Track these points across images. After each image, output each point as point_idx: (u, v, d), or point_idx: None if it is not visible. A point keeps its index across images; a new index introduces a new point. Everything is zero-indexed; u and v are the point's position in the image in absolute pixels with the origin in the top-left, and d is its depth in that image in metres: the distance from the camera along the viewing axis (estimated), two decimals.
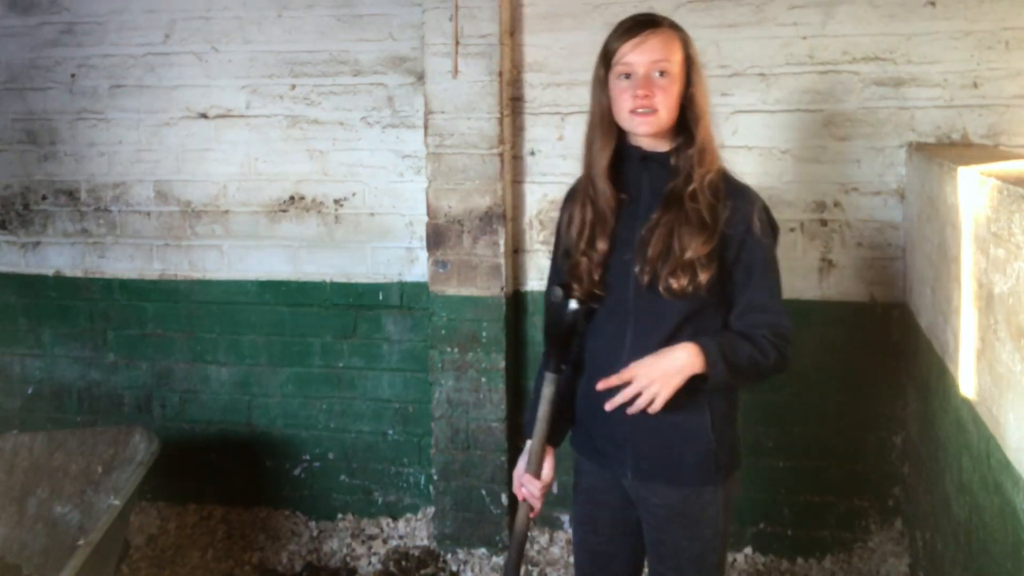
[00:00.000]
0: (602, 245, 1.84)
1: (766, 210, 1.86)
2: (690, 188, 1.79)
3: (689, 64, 1.82)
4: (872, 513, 3.06)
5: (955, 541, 2.14)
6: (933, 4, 2.91)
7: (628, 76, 1.79)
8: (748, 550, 3.16)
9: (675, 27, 1.85)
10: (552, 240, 2.08)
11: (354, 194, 3.42)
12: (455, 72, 3.12)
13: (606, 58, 1.84)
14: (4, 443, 2.90)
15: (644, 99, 1.76)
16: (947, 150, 2.72)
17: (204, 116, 3.50)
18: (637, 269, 1.81)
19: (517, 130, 3.23)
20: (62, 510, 2.80)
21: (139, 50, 3.53)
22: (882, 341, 3.01)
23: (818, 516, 3.10)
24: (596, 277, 1.84)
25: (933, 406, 2.43)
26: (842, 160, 3.01)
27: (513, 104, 3.19)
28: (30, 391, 3.75)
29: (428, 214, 3.21)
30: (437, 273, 3.20)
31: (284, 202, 3.48)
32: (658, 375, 1.74)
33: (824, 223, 3.04)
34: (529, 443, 1.97)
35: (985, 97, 2.90)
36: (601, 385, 1.78)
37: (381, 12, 3.32)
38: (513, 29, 3.17)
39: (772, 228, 1.87)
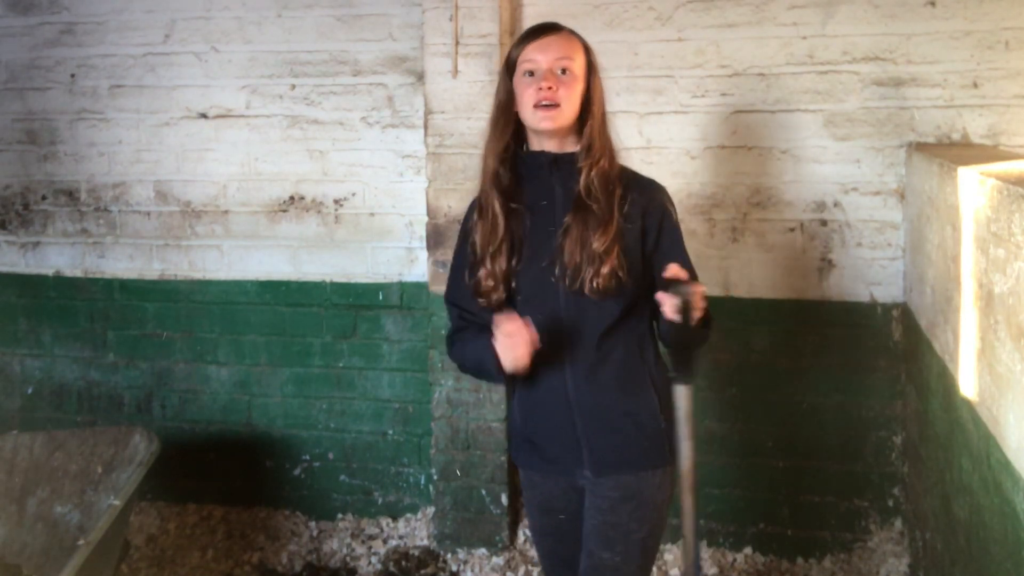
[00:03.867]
0: (497, 258, 1.86)
1: (669, 196, 1.95)
2: (583, 184, 1.83)
3: (590, 70, 1.88)
4: (872, 513, 3.06)
5: (955, 541, 2.14)
6: (933, 4, 2.91)
7: (532, 73, 1.83)
8: (748, 550, 3.16)
9: (576, 34, 1.91)
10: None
11: (354, 194, 3.42)
12: (455, 72, 3.12)
13: (509, 62, 1.89)
14: (4, 443, 2.90)
15: (548, 92, 1.80)
16: (947, 150, 2.72)
17: (204, 116, 3.51)
18: (558, 274, 1.83)
19: None
20: (62, 510, 2.80)
21: (139, 50, 3.53)
22: (882, 341, 3.01)
23: (818, 516, 3.10)
24: (493, 286, 1.86)
25: (933, 406, 2.43)
26: (842, 160, 3.01)
27: None
28: (30, 391, 3.75)
29: (428, 214, 3.21)
30: (437, 273, 3.20)
31: (284, 202, 3.48)
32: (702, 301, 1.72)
33: (824, 223, 3.04)
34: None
35: (985, 97, 2.90)
36: (670, 273, 1.73)
37: (381, 12, 3.32)
38: (513, 29, 3.17)
39: (675, 211, 1.95)
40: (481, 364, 1.90)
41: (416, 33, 3.27)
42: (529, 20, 3.17)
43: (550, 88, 1.80)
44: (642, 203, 1.87)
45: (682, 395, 1.83)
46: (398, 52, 3.33)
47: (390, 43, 3.33)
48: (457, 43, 3.10)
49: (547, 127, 1.83)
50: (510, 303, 1.88)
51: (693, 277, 1.89)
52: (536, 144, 1.90)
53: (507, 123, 1.89)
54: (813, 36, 2.99)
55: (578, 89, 1.84)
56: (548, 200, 1.88)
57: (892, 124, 2.97)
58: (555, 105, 1.81)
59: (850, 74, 2.98)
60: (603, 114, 1.89)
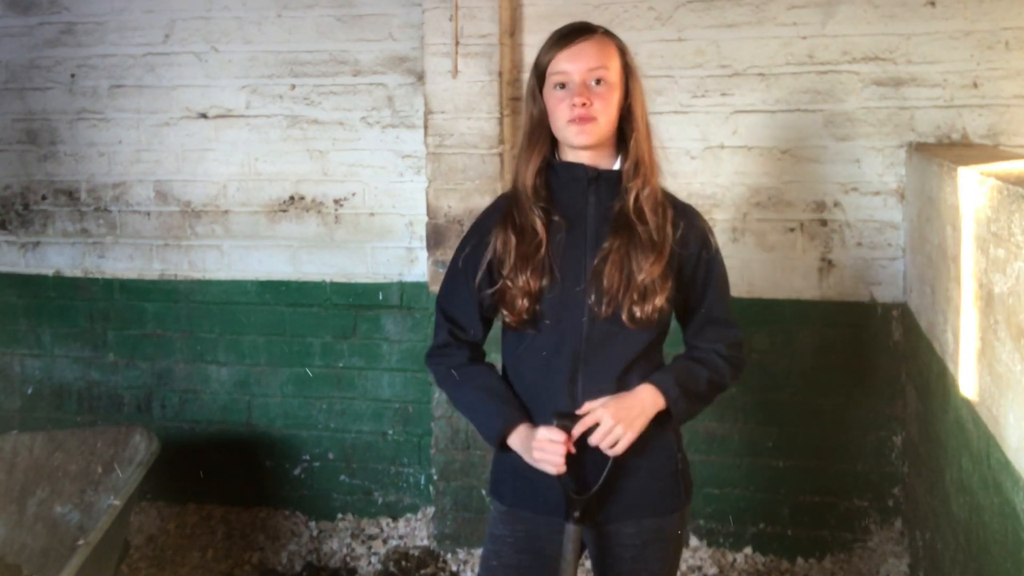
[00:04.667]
0: (533, 275, 1.72)
1: (709, 225, 1.84)
2: (631, 205, 1.71)
3: (627, 73, 1.75)
4: (872, 513, 3.06)
5: (955, 541, 2.14)
6: (933, 4, 2.91)
7: (563, 85, 1.71)
8: (748, 550, 3.16)
9: (610, 35, 1.77)
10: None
11: (354, 194, 3.42)
12: (455, 72, 3.12)
13: (539, 69, 1.76)
14: (4, 443, 2.90)
15: (582, 108, 1.67)
16: (947, 150, 2.72)
17: (204, 116, 3.51)
18: (592, 300, 1.70)
19: (517, 130, 3.23)
20: (62, 510, 2.80)
21: (139, 50, 3.53)
22: (882, 341, 3.01)
23: (818, 516, 3.10)
24: (527, 305, 1.72)
25: (933, 406, 2.43)
26: (842, 160, 3.01)
27: (513, 104, 3.19)
28: (30, 391, 3.75)
29: (428, 214, 3.21)
30: (437, 273, 3.20)
31: (284, 202, 3.48)
32: (624, 416, 1.66)
33: (824, 223, 3.04)
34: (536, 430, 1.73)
35: (985, 97, 2.90)
36: (577, 431, 1.68)
37: (381, 12, 3.32)
38: (513, 29, 3.17)
39: (716, 242, 1.83)
40: (475, 422, 1.85)
41: (416, 33, 3.27)
42: (529, 20, 3.18)
43: (584, 104, 1.67)
44: (686, 230, 1.75)
45: (569, 536, 1.71)
46: (398, 52, 3.33)
47: (390, 43, 3.33)
48: (457, 43, 3.10)
49: (582, 142, 1.71)
50: (533, 324, 1.75)
51: (726, 317, 1.81)
52: (570, 155, 1.77)
53: (543, 137, 1.77)
54: (813, 36, 2.99)
55: (614, 99, 1.71)
56: (580, 216, 1.75)
57: (892, 124, 2.97)
58: (591, 119, 1.68)
59: (850, 74, 2.98)
60: (647, 124, 1.76)
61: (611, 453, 1.68)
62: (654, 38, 3.08)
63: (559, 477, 1.69)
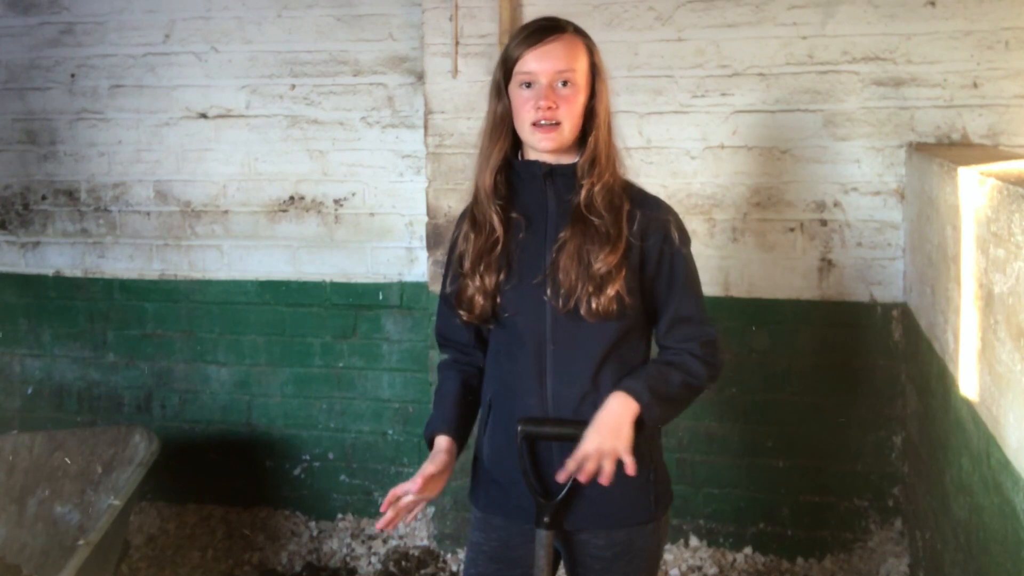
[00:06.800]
0: (489, 272, 1.72)
1: (679, 219, 1.79)
2: (584, 199, 1.69)
3: (594, 73, 1.73)
4: (872, 513, 3.06)
5: (955, 541, 2.14)
6: (933, 4, 2.91)
7: (530, 85, 1.69)
8: (748, 550, 3.16)
9: (580, 32, 1.76)
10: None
11: (354, 194, 3.42)
12: (455, 72, 3.12)
13: (506, 64, 1.73)
14: (4, 443, 2.90)
15: (547, 111, 1.66)
16: (947, 150, 2.72)
17: (204, 116, 3.51)
18: (549, 293, 1.69)
19: None
20: (62, 510, 2.80)
21: (139, 50, 3.53)
22: (882, 341, 3.01)
23: (818, 516, 3.10)
24: (483, 303, 1.72)
25: (933, 406, 2.43)
26: (842, 160, 3.01)
27: None
28: (30, 391, 3.75)
29: (428, 214, 3.21)
30: (437, 273, 3.20)
31: (284, 202, 3.48)
32: (608, 435, 1.62)
33: (824, 223, 3.04)
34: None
35: (985, 97, 2.90)
36: (563, 477, 1.65)
37: (381, 12, 3.32)
38: (513, 29, 3.16)
39: (686, 237, 1.79)
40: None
41: (416, 33, 3.27)
42: (529, 20, 3.17)
43: (549, 108, 1.66)
44: (644, 223, 1.72)
45: (541, 542, 1.69)
46: (398, 52, 3.33)
47: (390, 43, 3.33)
48: (457, 43, 3.10)
49: (546, 148, 1.70)
50: (496, 319, 1.75)
51: (697, 315, 1.76)
52: (532, 153, 1.76)
53: (505, 134, 1.75)
54: (813, 36, 2.99)
55: (580, 101, 1.70)
56: (540, 213, 1.74)
57: (892, 124, 2.97)
58: (555, 124, 1.67)
59: (850, 74, 2.98)
60: (608, 123, 1.74)
61: (629, 472, 1.63)
62: (654, 38, 3.08)
63: (527, 482, 1.71)
